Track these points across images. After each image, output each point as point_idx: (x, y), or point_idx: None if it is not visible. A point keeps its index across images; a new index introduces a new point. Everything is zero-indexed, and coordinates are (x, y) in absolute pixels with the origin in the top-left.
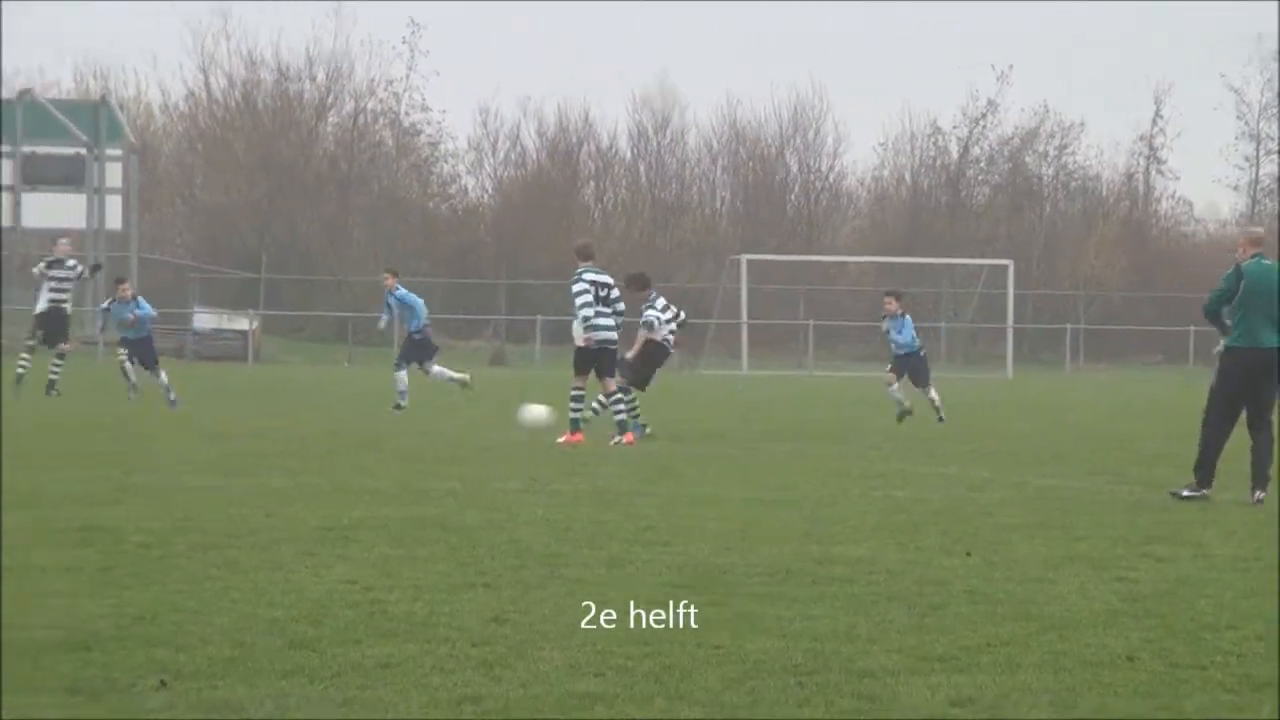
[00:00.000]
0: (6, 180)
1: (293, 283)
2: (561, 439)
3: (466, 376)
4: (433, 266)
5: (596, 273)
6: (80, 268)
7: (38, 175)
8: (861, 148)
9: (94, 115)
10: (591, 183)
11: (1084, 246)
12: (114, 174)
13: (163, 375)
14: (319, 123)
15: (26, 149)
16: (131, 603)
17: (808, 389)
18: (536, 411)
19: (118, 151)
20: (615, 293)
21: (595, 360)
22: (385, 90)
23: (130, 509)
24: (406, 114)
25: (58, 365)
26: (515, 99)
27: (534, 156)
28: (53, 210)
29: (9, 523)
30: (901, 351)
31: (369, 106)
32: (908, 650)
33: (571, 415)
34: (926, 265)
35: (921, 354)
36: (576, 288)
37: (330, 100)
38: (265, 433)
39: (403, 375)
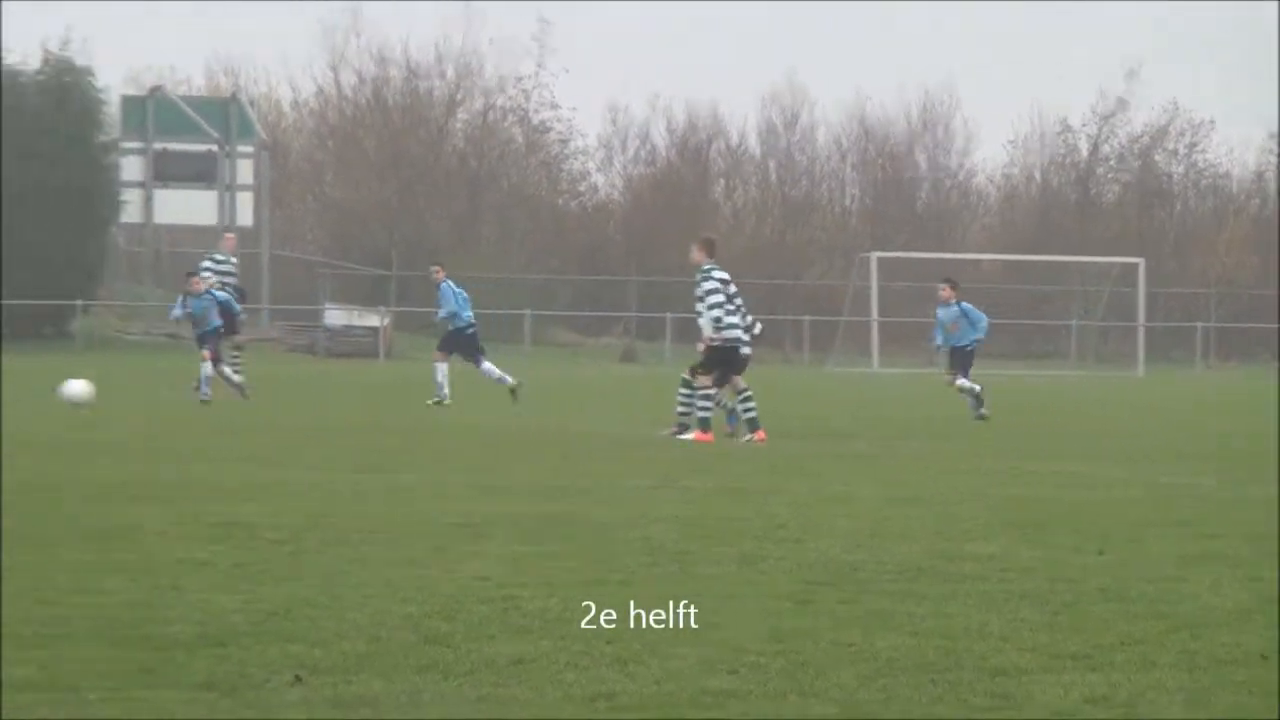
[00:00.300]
0: (139, 177)
1: (422, 279)
2: (690, 437)
3: (517, 382)
4: (562, 264)
5: (721, 270)
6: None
7: (169, 172)
8: (991, 145)
9: (225, 112)
10: (721, 180)
11: (1214, 244)
12: (245, 170)
13: (208, 369)
14: (449, 120)
15: (158, 146)
16: (266, 598)
17: (936, 387)
18: (76, 387)
19: (248, 148)
20: (734, 288)
21: (727, 359)
22: (515, 87)
23: (264, 505)
24: (536, 111)
25: (236, 357)
26: (645, 96)
27: (663, 154)
28: (184, 207)
29: (147, 517)
30: (955, 343)
31: (498, 104)
32: (1041, 648)
33: (702, 415)
34: (1056, 263)
35: (969, 348)
36: (707, 285)
37: (460, 97)
38: (397, 429)
39: (487, 367)
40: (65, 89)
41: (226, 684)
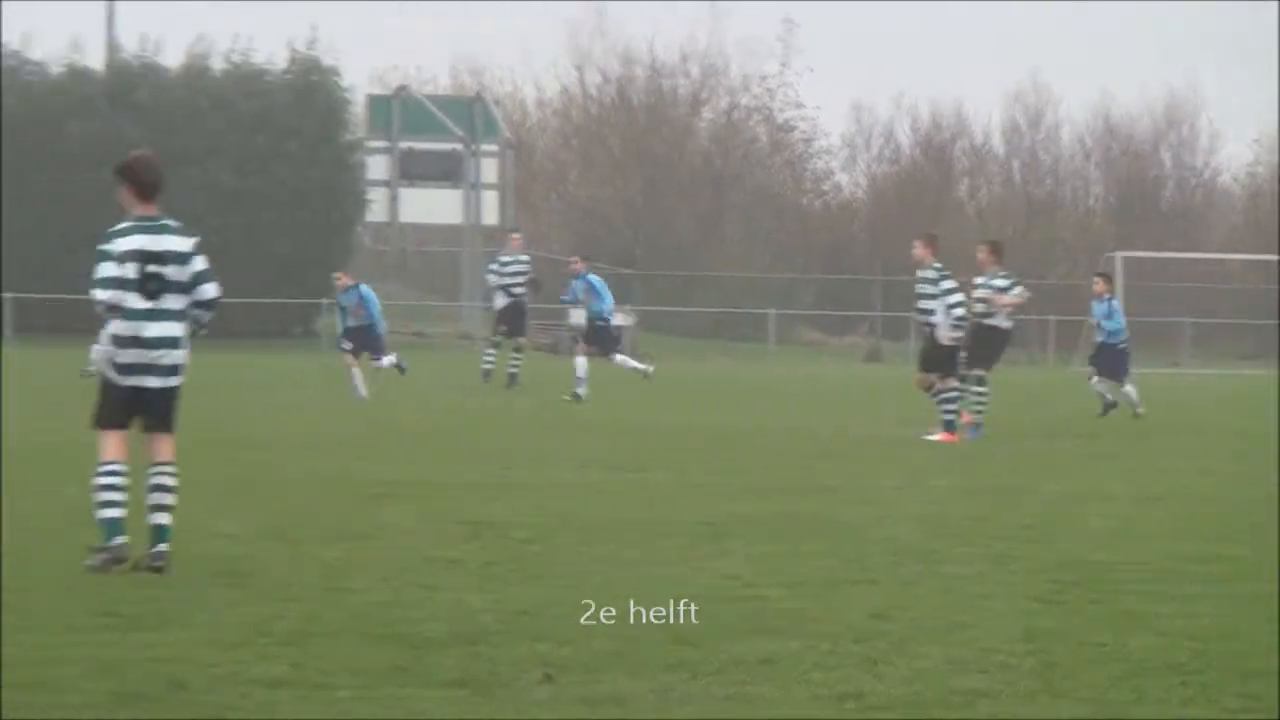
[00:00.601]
0: (384, 176)
1: (666, 278)
2: (936, 437)
3: (650, 368)
4: (807, 262)
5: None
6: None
7: (415, 171)
8: (1236, 144)
9: (470, 111)
10: (964, 179)
11: None
12: (489, 169)
13: (387, 360)
14: (693, 119)
15: (403, 145)
16: (515, 597)
17: (1183, 387)
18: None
19: (493, 147)
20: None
21: (953, 359)
22: (759, 86)
23: (513, 503)
24: (780, 110)
25: (517, 359)
26: (889, 95)
27: (907, 152)
28: (429, 205)
29: (397, 516)
30: (1103, 339)
31: (743, 103)
32: None
33: (947, 416)
34: None
35: (1121, 346)
36: (948, 284)
37: (704, 96)
38: (645, 428)
39: (583, 361)
40: (311, 89)
41: (477, 682)
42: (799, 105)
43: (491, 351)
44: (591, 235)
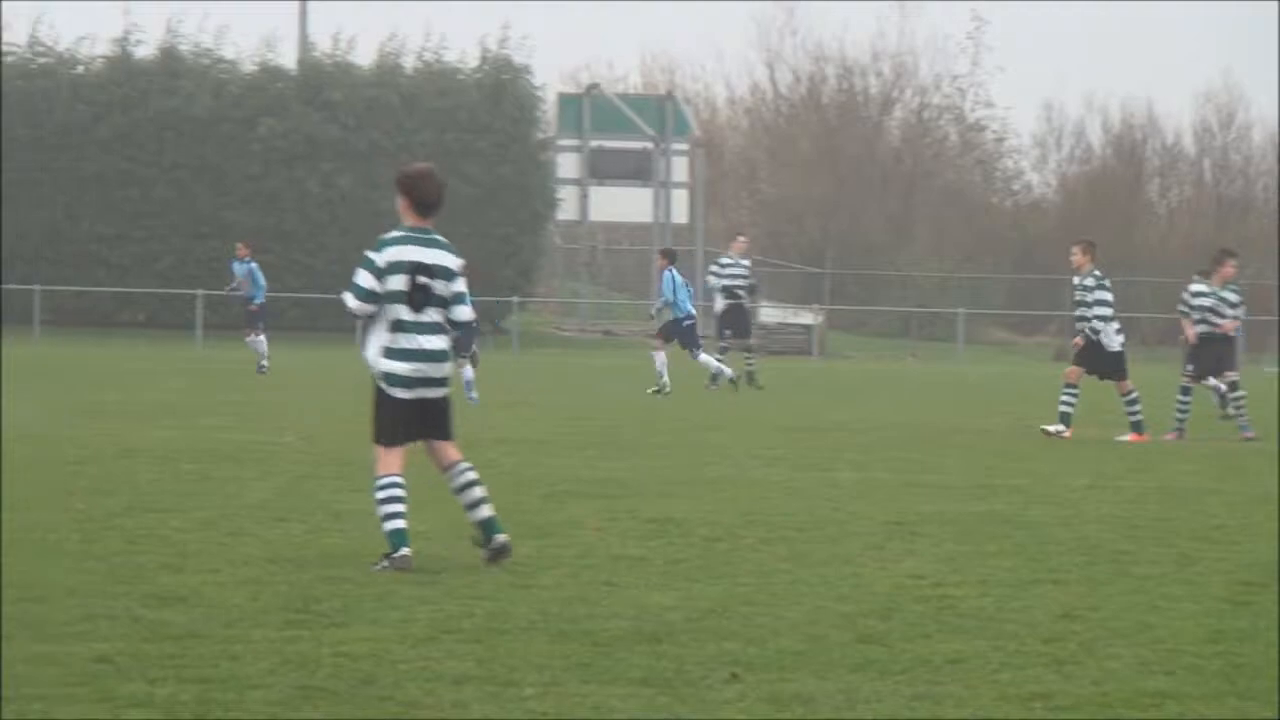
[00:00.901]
0: (574, 174)
1: (855, 277)
2: (1126, 438)
3: (733, 372)
4: (996, 262)
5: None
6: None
7: (605, 169)
8: None
9: (660, 110)
10: (1155, 179)
11: None
12: (679, 168)
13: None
14: (884, 118)
15: (594, 143)
16: (701, 595)
17: None
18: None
19: (683, 146)
20: None
21: (1125, 363)
22: (950, 85)
23: (699, 501)
24: (971, 110)
25: (752, 359)
26: (1080, 95)
27: (1098, 152)
28: (619, 204)
29: (584, 513)
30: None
31: (934, 102)
32: None
33: (1136, 417)
34: None
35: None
36: (1102, 294)
37: (895, 95)
38: (832, 427)
39: (704, 358)
40: (502, 87)
41: (663, 680)
42: (989, 104)
43: (718, 356)
44: (781, 234)
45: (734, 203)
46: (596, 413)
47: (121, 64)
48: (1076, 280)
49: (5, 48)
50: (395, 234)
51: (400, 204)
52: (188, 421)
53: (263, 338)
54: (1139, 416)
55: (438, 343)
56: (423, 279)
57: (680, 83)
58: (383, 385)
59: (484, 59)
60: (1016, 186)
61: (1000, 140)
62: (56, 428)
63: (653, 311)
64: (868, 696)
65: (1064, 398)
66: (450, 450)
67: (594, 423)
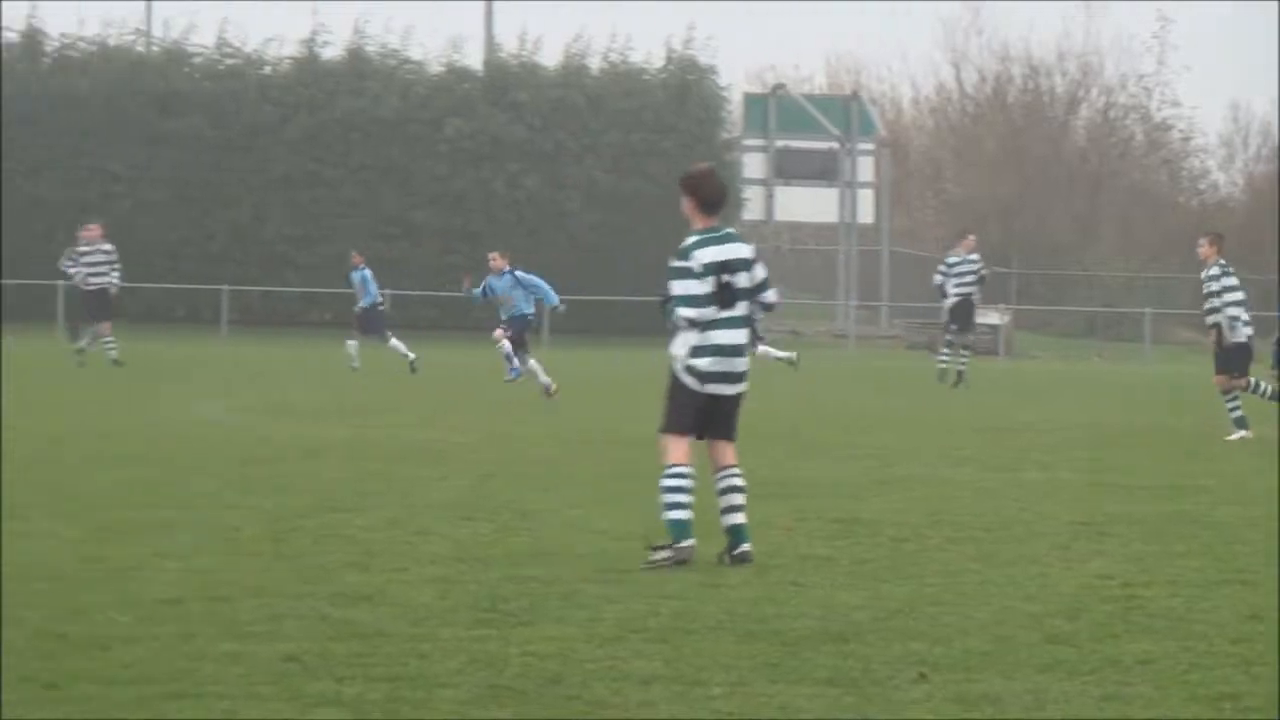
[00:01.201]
0: (760, 174)
1: (1041, 277)
2: (1235, 437)
3: (794, 355)
4: (1183, 262)
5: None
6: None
7: (790, 169)
8: None
9: (846, 110)
10: None
11: None
12: (865, 168)
13: (531, 363)
14: (1069, 117)
15: (780, 143)
16: (888, 595)
17: None
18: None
19: (869, 146)
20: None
21: (1246, 358)
22: (1135, 85)
23: (886, 501)
24: (1158, 109)
25: (965, 358)
26: (1267, 94)
27: None
28: (805, 204)
29: (770, 513)
30: None
31: (1119, 101)
32: None
33: (1235, 414)
34: None
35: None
36: (1228, 281)
37: (1080, 95)
38: (1019, 427)
39: (764, 349)
40: (687, 87)
41: (849, 680)
42: (1175, 104)
43: (946, 352)
44: (966, 234)
45: (919, 202)
46: (784, 412)
47: (309, 65)
48: (1203, 274)
49: (191, 49)
50: (693, 239)
51: (686, 206)
52: (373, 420)
53: (354, 342)
54: (1239, 413)
55: (738, 337)
56: (726, 277)
57: (865, 83)
58: (681, 376)
59: (669, 59)
60: (1203, 186)
61: (1187, 139)
62: (243, 426)
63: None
64: (1056, 697)
65: (1229, 405)
66: (729, 452)
67: (781, 422)
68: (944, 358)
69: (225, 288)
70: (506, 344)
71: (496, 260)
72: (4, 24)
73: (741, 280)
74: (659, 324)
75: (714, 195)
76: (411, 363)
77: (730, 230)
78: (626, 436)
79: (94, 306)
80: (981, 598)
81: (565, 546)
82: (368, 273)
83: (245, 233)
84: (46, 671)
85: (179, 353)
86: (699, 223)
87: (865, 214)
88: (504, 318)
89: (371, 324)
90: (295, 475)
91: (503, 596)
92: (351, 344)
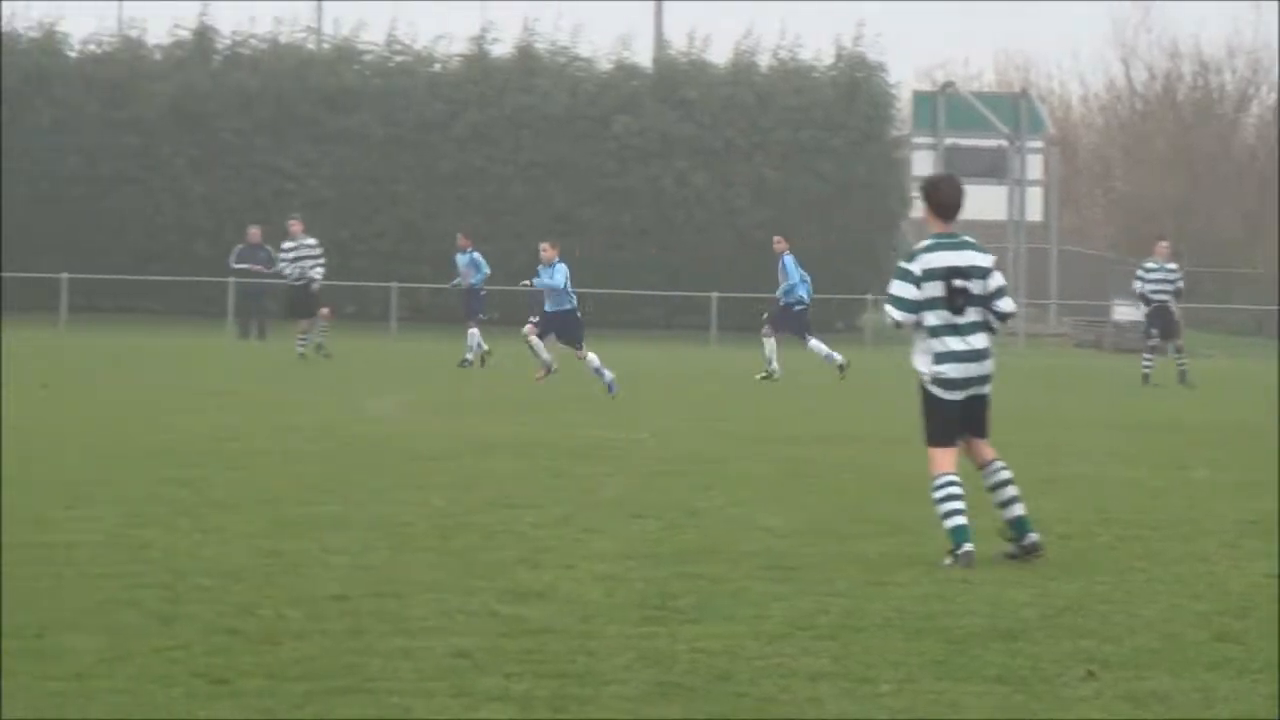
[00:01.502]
0: (929, 172)
1: (1210, 275)
2: None
3: (844, 360)
4: None
5: None
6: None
7: (959, 167)
8: None
9: (1015, 108)
10: None
11: None
12: (1034, 166)
13: (590, 356)
14: (1239, 115)
15: (949, 141)
16: (1057, 593)
17: None
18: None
19: (1038, 144)
20: None
21: None
22: None
23: (1056, 499)
24: None
25: (1183, 360)
26: None
27: None
28: (973, 202)
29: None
30: None
31: None
32: None
33: None
34: None
35: None
36: None
37: (1250, 93)
38: (1189, 425)
39: (815, 344)
40: (856, 85)
41: (1017, 677)
42: None
43: (1150, 356)
44: (1136, 232)
45: (1088, 200)
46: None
47: (478, 62)
48: None
49: (361, 46)
50: (926, 243)
51: (925, 212)
52: (545, 417)
53: (475, 330)
54: None
55: (980, 341)
56: (959, 282)
57: (1035, 80)
58: (932, 389)
59: (839, 57)
60: None
61: None
62: (415, 423)
63: (779, 297)
64: (1225, 695)
65: None
66: (986, 449)
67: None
68: (1147, 362)
69: (395, 285)
70: (535, 339)
71: (548, 251)
72: (38, 18)
73: (975, 287)
74: (826, 320)
75: (949, 200)
76: (465, 359)
77: (967, 238)
78: (794, 434)
79: (299, 302)
80: (1149, 595)
81: (732, 544)
82: (477, 255)
83: (414, 229)
84: (217, 667)
85: (348, 346)
86: (935, 227)
87: (1034, 212)
88: (547, 309)
89: (473, 307)
90: (465, 472)
91: (670, 593)
92: (473, 332)
